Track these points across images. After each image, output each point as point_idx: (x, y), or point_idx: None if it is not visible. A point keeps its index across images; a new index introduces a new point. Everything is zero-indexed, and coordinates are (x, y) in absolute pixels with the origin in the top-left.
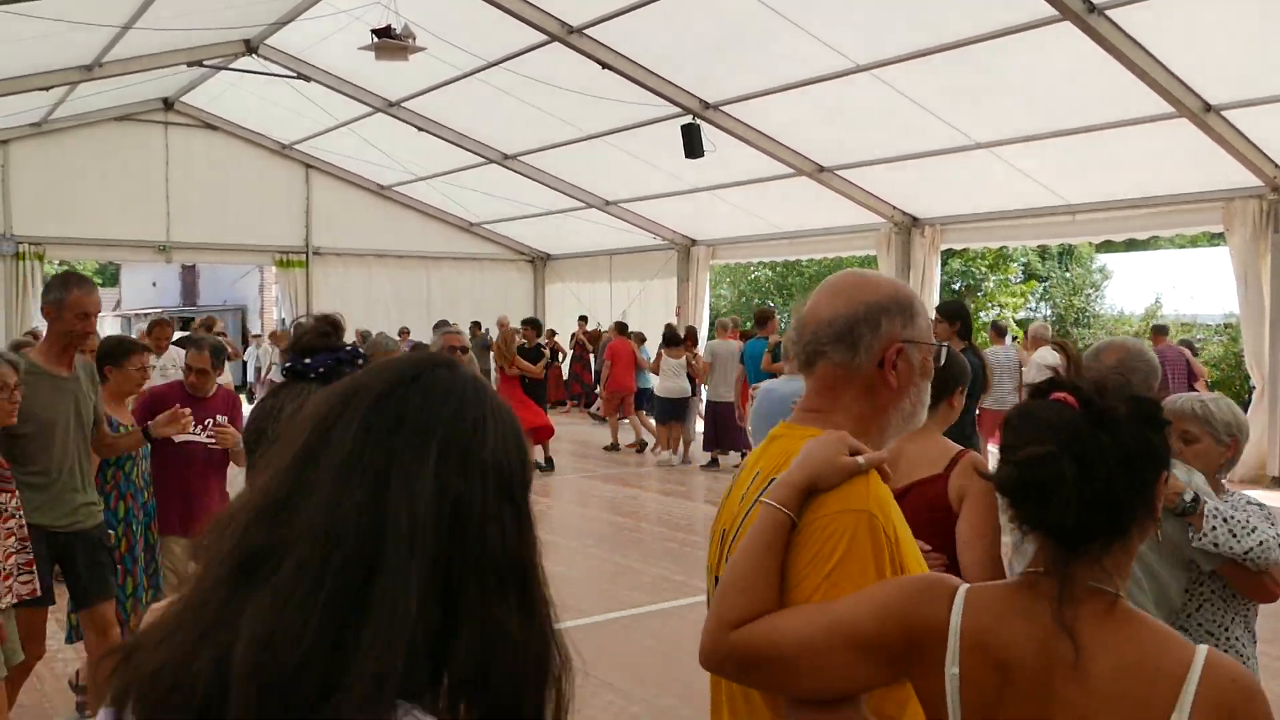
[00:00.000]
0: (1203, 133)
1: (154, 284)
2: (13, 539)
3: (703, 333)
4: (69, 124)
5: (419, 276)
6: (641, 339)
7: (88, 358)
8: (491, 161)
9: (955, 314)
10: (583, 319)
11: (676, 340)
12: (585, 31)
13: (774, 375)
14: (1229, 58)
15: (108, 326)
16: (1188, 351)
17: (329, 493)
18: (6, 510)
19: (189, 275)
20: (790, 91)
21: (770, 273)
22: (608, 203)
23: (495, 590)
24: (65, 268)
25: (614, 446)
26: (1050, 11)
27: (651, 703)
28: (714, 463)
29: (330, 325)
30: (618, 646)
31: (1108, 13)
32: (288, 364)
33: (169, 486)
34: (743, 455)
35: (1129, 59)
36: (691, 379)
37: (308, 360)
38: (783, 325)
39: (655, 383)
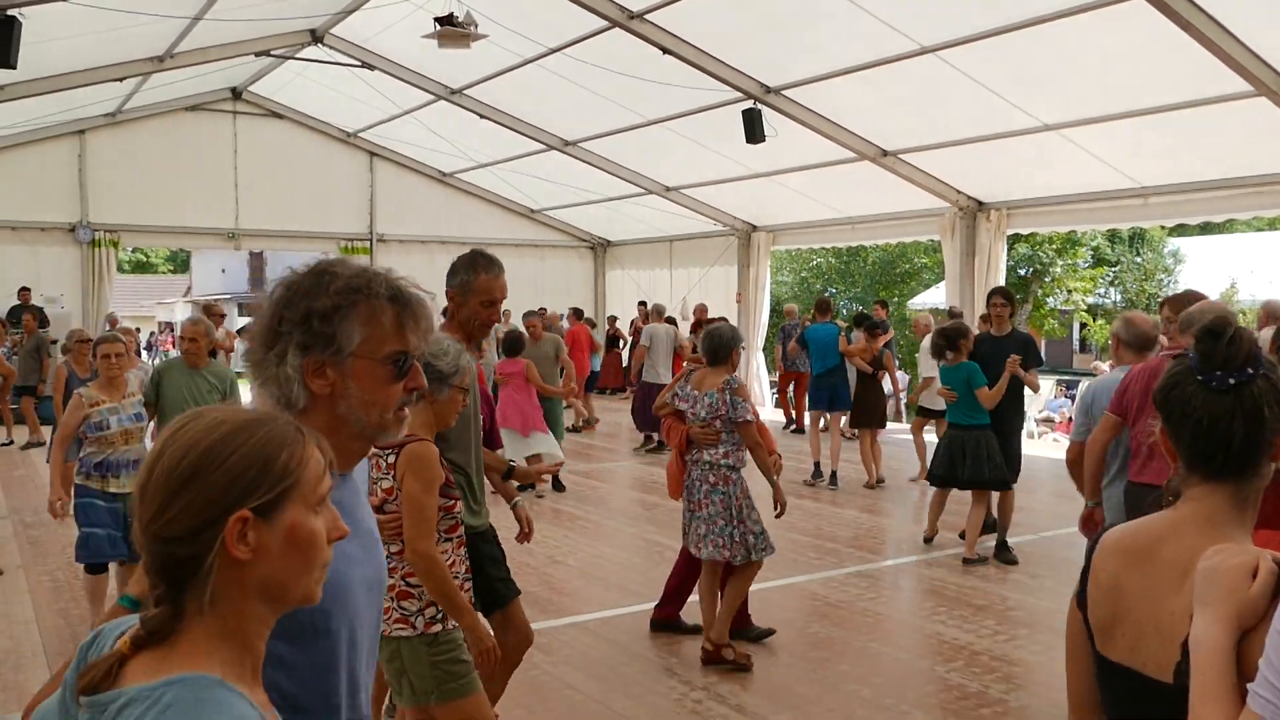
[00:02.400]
0: None
1: (223, 270)
2: (463, 548)
3: (764, 319)
4: (142, 114)
5: None
6: (592, 324)
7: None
8: (552, 148)
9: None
10: (642, 304)
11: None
12: (646, 16)
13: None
14: None
15: (178, 312)
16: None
17: None
18: (457, 519)
19: (256, 262)
20: (853, 75)
21: (833, 259)
22: (668, 188)
23: None
24: (138, 255)
25: (575, 428)
26: None
27: (712, 689)
28: (654, 443)
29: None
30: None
31: None
32: (1212, 382)
33: None
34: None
35: (1205, 36)
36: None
37: (1231, 380)
38: (840, 310)
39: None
